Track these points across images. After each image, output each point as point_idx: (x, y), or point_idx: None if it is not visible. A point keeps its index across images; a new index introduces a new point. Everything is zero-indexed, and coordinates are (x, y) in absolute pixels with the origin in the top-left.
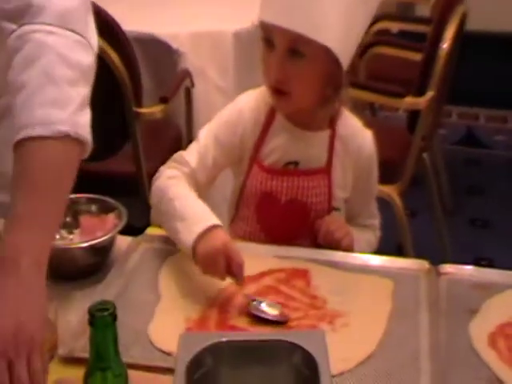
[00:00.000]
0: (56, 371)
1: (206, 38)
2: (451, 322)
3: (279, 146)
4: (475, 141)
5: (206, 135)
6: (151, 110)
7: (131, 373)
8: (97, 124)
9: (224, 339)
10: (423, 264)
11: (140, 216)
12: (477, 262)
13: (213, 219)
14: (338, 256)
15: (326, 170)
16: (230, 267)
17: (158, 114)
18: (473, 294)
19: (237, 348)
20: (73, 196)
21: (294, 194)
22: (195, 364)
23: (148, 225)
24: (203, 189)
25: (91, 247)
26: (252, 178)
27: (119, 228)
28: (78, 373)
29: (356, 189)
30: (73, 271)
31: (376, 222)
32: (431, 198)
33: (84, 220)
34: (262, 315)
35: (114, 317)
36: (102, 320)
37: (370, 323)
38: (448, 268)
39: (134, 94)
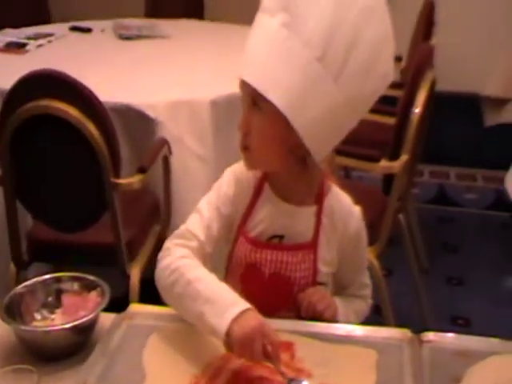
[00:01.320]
0: None
1: (182, 106)
2: None
3: (265, 219)
4: (447, 199)
5: (207, 208)
6: (129, 180)
7: None
8: (76, 195)
9: None
10: (406, 333)
11: (118, 286)
12: (454, 321)
13: (244, 303)
14: (321, 327)
15: (312, 246)
16: (266, 349)
17: (136, 185)
18: (455, 361)
19: None
20: (55, 275)
21: (278, 268)
22: None
23: (126, 294)
24: (207, 260)
25: (74, 328)
26: (238, 248)
27: (101, 307)
28: None
29: (343, 262)
30: (56, 352)
31: (367, 291)
32: (407, 257)
33: (66, 299)
34: None
35: None
36: None
37: None
38: (430, 336)
39: (112, 164)
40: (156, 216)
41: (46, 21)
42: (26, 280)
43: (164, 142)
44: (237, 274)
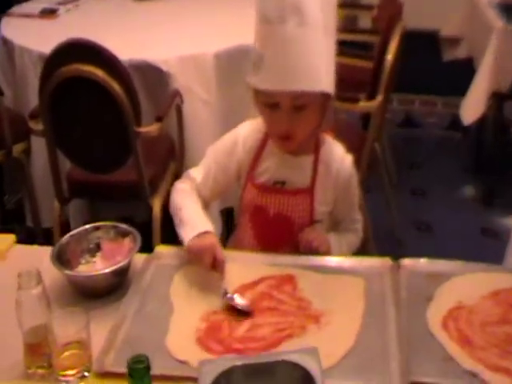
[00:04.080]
0: None
1: (190, 60)
2: (411, 310)
3: (269, 168)
4: (412, 123)
5: (210, 156)
6: (149, 128)
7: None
8: (105, 142)
9: (236, 363)
10: (387, 261)
11: (143, 214)
12: (418, 227)
13: (206, 226)
14: (317, 260)
15: (309, 190)
16: (215, 263)
17: (154, 132)
18: (427, 283)
19: (247, 370)
20: (94, 224)
21: (281, 209)
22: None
23: (149, 221)
24: (208, 200)
25: (113, 271)
26: (247, 192)
27: (134, 252)
28: None
29: (337, 202)
30: (99, 292)
31: (358, 225)
32: (380, 177)
33: (105, 245)
34: (233, 304)
35: (148, 368)
36: (139, 372)
37: (348, 320)
38: (405, 262)
39: (134, 115)
40: (172, 155)
41: None
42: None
43: (176, 93)
44: (246, 214)
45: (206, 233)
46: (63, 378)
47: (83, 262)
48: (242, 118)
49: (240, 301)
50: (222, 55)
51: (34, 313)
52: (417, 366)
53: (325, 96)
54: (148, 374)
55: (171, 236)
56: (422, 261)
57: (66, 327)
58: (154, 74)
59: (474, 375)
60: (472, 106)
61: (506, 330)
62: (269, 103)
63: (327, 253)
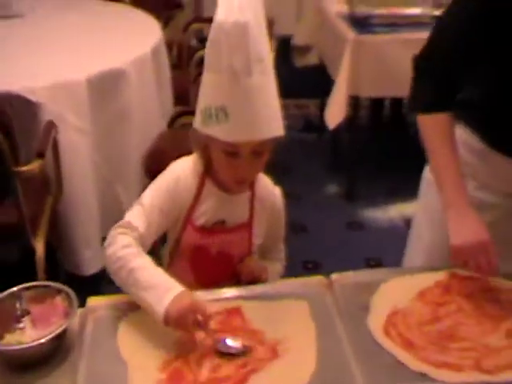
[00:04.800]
0: None
1: (61, 87)
2: (354, 322)
3: (209, 209)
4: None
5: (149, 203)
6: (30, 167)
7: None
8: None
9: None
10: (321, 279)
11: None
12: (294, 228)
13: (179, 287)
14: (258, 289)
15: (248, 225)
16: (198, 321)
17: (37, 170)
18: (360, 294)
19: None
20: (15, 289)
21: (222, 247)
22: None
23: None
24: (147, 250)
25: (57, 335)
26: (186, 235)
27: (75, 310)
28: None
29: (269, 233)
30: (38, 361)
31: (283, 255)
32: None
33: (34, 309)
34: (229, 351)
35: None
36: None
37: (304, 344)
38: (335, 277)
39: (12, 153)
40: (48, 189)
41: None
42: None
43: (52, 124)
44: (185, 256)
45: (180, 294)
46: None
47: (10, 334)
48: (117, 144)
49: (235, 344)
50: (95, 80)
51: None
52: (376, 376)
53: (276, 138)
54: None
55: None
56: (350, 273)
57: None
58: (21, 106)
59: (423, 375)
60: (334, 111)
61: (438, 328)
62: (228, 151)
63: (266, 280)
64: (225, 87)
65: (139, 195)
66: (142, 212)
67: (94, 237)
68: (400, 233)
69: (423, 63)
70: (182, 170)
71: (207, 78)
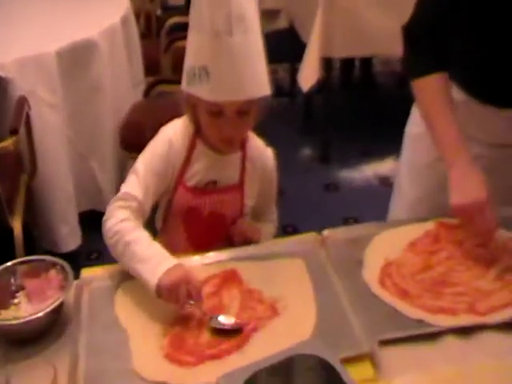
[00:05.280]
0: None
1: (30, 61)
2: (350, 276)
3: (200, 170)
4: None
5: (144, 169)
6: (4, 144)
7: None
8: None
9: (254, 369)
10: (315, 236)
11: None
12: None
13: (171, 260)
14: (253, 249)
15: (239, 186)
16: (190, 293)
17: (11, 147)
18: (352, 248)
19: (267, 372)
20: (9, 263)
21: (214, 208)
22: None
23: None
24: (147, 215)
25: (54, 309)
26: (178, 196)
27: (72, 282)
28: None
29: (261, 196)
30: (36, 336)
31: (274, 216)
32: None
33: (28, 284)
34: (222, 327)
35: None
36: None
37: (302, 301)
38: (327, 233)
39: None
40: (21, 167)
41: None
42: None
43: (24, 100)
44: (178, 217)
45: (173, 267)
46: None
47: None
48: (90, 117)
49: (228, 321)
50: (65, 53)
51: None
52: (374, 326)
53: (263, 99)
54: None
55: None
56: (341, 229)
57: (29, 383)
58: None
59: (420, 321)
60: (308, 74)
61: (431, 275)
62: (212, 111)
63: (259, 240)
64: (207, 47)
65: (114, 169)
66: (138, 180)
67: (71, 213)
68: (376, 191)
69: (413, 30)
70: (174, 132)
71: (190, 38)
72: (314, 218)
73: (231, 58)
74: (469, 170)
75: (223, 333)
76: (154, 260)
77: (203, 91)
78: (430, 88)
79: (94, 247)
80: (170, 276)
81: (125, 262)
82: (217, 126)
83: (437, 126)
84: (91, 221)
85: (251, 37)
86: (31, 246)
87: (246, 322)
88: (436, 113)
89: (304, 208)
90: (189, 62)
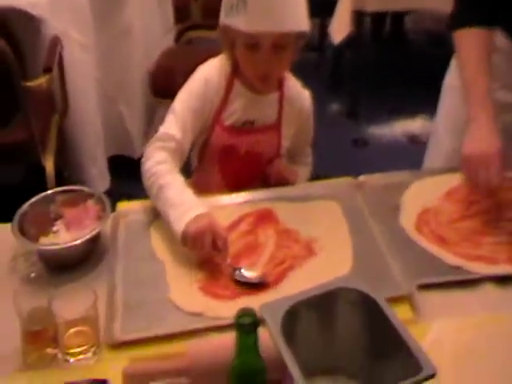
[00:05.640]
0: (112, 359)
1: (63, 1)
2: (386, 221)
3: (238, 109)
4: None
5: (181, 107)
6: (38, 82)
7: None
8: None
9: (295, 300)
10: (350, 181)
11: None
12: None
13: (200, 208)
14: (289, 190)
15: (276, 126)
16: (216, 243)
17: (45, 85)
18: (388, 194)
19: (310, 303)
20: (49, 192)
21: (251, 147)
22: (285, 322)
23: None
24: (186, 154)
25: (91, 238)
26: (215, 135)
27: (109, 213)
28: (133, 355)
29: (296, 137)
30: (74, 262)
31: (310, 159)
32: None
33: (67, 212)
34: (245, 280)
35: (256, 324)
36: (247, 327)
37: (339, 241)
38: (363, 178)
39: (20, 68)
40: (53, 107)
41: None
42: None
43: (57, 39)
44: (214, 157)
45: (200, 215)
46: (75, 359)
47: (45, 233)
48: (119, 60)
49: (251, 274)
50: None
51: (33, 296)
52: (412, 270)
53: (300, 35)
54: (256, 328)
55: None
56: (377, 175)
57: (70, 305)
58: (23, 21)
59: (458, 268)
60: (339, 26)
61: (468, 225)
62: (249, 44)
63: (295, 182)
64: None
65: (143, 115)
66: (175, 119)
67: (100, 155)
68: (405, 148)
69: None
70: (210, 71)
71: None
72: (343, 172)
73: None
74: (486, 126)
75: (247, 285)
76: (183, 206)
77: (240, 22)
78: (470, 40)
79: (122, 191)
80: (196, 223)
81: (158, 205)
82: (253, 61)
83: (468, 78)
84: (120, 165)
85: None
86: (61, 186)
87: (271, 274)
88: (470, 65)
89: (333, 161)
90: None
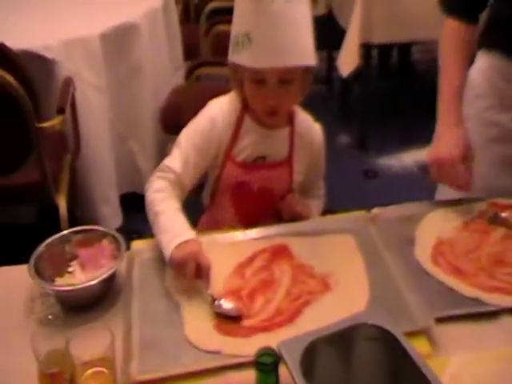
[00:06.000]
0: None
1: (75, 43)
2: (401, 253)
3: (249, 145)
4: None
5: (185, 143)
6: (52, 123)
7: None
8: (4, 143)
9: (314, 337)
10: (363, 214)
11: (26, 217)
12: None
13: (188, 234)
14: (303, 225)
15: (288, 162)
16: (199, 271)
17: (58, 126)
18: (402, 227)
19: (328, 340)
20: (65, 232)
21: (263, 183)
22: (304, 360)
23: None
24: (187, 189)
25: (108, 277)
26: (227, 171)
27: (124, 252)
28: None
29: (309, 171)
30: (90, 302)
31: (322, 191)
32: None
33: (82, 252)
34: (222, 311)
35: (276, 364)
36: (268, 367)
37: (354, 276)
38: (376, 211)
39: (34, 110)
40: (65, 146)
41: None
42: None
43: (70, 81)
44: (226, 193)
45: (188, 241)
46: None
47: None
48: (131, 99)
49: (228, 305)
50: (108, 35)
51: (50, 337)
52: (429, 302)
53: (307, 69)
54: (276, 368)
55: None
56: (390, 208)
57: (87, 345)
58: (37, 63)
59: (475, 300)
60: (348, 59)
61: (486, 254)
62: (255, 79)
63: (308, 216)
64: (249, 13)
65: (154, 152)
66: (179, 152)
67: (112, 194)
68: (415, 178)
69: None
70: (219, 108)
71: (236, 6)
72: (354, 205)
73: (272, 23)
74: (453, 130)
75: (225, 316)
76: (172, 232)
77: (246, 58)
78: (454, 39)
79: (134, 228)
80: (181, 250)
81: (155, 231)
82: (260, 96)
83: (443, 79)
84: (132, 202)
85: (294, 5)
86: (74, 226)
87: (288, 309)
88: (448, 64)
89: (344, 194)
90: (233, 30)
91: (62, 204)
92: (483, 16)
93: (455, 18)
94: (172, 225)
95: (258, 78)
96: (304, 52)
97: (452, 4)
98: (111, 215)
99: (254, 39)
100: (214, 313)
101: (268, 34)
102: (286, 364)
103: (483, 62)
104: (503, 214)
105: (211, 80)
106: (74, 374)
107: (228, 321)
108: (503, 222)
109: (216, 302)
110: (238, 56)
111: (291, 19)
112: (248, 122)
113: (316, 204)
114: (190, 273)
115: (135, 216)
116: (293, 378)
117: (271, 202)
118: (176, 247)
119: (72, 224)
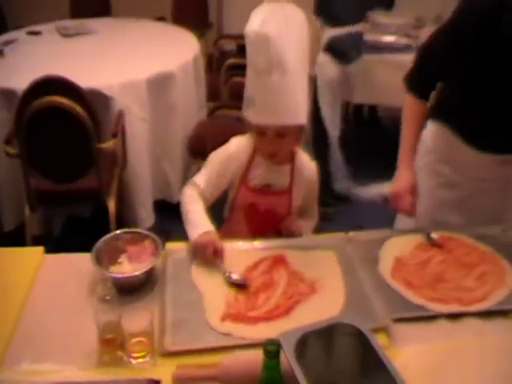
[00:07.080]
0: (163, 364)
1: (128, 85)
2: (368, 269)
3: (259, 174)
4: None
5: (210, 166)
6: (108, 144)
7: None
8: (71, 159)
9: (306, 331)
10: (342, 235)
11: (88, 212)
12: None
13: (209, 226)
14: (296, 241)
15: (288, 191)
16: (216, 253)
17: (112, 147)
18: (370, 247)
19: (316, 334)
20: (118, 232)
21: (269, 206)
22: (297, 347)
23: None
24: (209, 201)
25: (150, 269)
26: (241, 194)
27: (161, 252)
28: (179, 362)
29: (305, 198)
30: (136, 287)
31: (315, 212)
32: None
33: (130, 248)
34: (233, 281)
35: (279, 351)
36: (273, 353)
37: (335, 283)
38: (351, 234)
39: (96, 134)
40: (116, 163)
41: (4, 29)
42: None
43: (122, 113)
44: (240, 211)
45: (207, 232)
46: (136, 361)
47: (113, 264)
48: (166, 129)
49: (236, 277)
50: (152, 80)
51: (107, 312)
52: (389, 307)
53: (301, 125)
54: (279, 354)
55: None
56: (363, 232)
57: (133, 321)
58: (99, 99)
59: (421, 307)
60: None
61: (430, 273)
62: (258, 132)
63: (300, 234)
64: (253, 81)
65: (181, 170)
66: (205, 173)
67: (148, 201)
68: (380, 208)
69: (413, 76)
70: (236, 146)
71: (246, 74)
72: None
73: (270, 92)
74: (404, 173)
75: (235, 286)
76: (197, 224)
77: (251, 115)
78: (412, 108)
79: (163, 227)
80: (203, 237)
81: (185, 224)
82: (262, 144)
83: (403, 137)
84: (162, 207)
85: (289, 77)
86: (119, 223)
87: (283, 305)
88: (407, 126)
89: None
90: (245, 92)
91: (111, 205)
92: (432, 95)
93: (412, 95)
94: (197, 219)
95: (260, 131)
96: (295, 114)
97: (411, 84)
98: (146, 216)
99: (257, 102)
100: (227, 283)
101: (267, 100)
102: (283, 350)
103: (431, 127)
104: (434, 236)
105: (227, 118)
106: (123, 341)
107: (238, 291)
108: (434, 242)
109: (227, 274)
110: (246, 113)
111: (286, 88)
112: (258, 157)
113: (309, 224)
114: (209, 253)
115: (164, 217)
116: (289, 361)
117: (274, 221)
118: (199, 235)
119: (117, 220)
